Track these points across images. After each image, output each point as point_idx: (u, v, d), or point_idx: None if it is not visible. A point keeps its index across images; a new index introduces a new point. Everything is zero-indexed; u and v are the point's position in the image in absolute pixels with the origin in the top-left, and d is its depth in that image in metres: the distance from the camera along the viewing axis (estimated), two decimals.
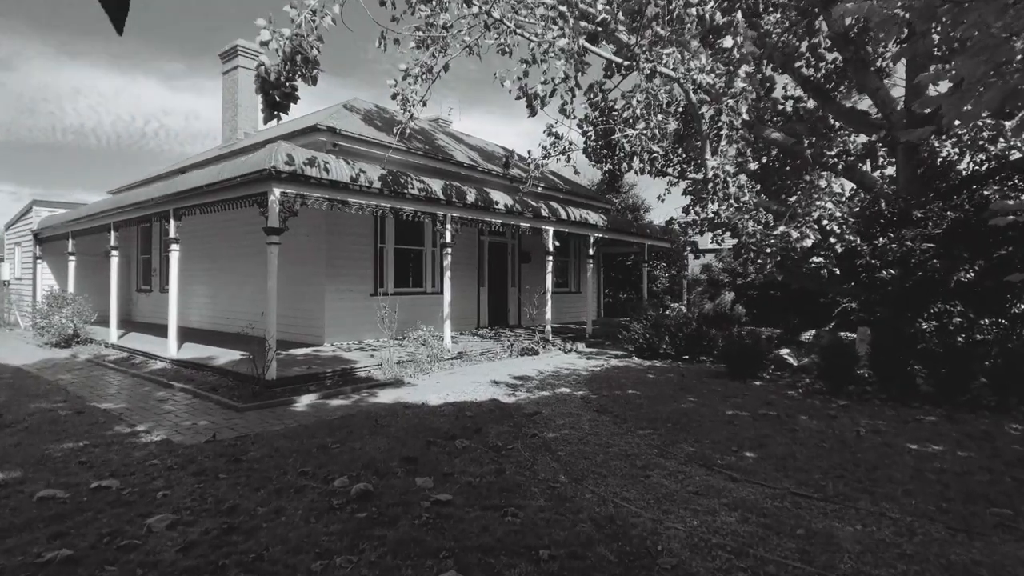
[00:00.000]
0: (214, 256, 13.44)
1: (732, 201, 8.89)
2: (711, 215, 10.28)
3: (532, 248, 15.35)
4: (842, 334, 10.75)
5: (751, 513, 3.60)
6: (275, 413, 6.27)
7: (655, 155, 8.17)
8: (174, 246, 9.10)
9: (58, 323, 11.83)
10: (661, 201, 14.52)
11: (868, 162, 11.89)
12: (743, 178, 9.10)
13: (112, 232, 11.13)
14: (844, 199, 9.57)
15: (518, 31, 6.97)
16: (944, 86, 9.50)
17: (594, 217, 13.84)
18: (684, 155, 14.60)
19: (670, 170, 15.06)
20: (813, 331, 13.07)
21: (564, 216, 12.67)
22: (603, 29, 9.35)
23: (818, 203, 8.70)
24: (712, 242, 15.79)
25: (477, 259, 13.99)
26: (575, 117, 9.56)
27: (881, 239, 8.53)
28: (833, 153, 10.83)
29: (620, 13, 8.40)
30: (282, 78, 5.89)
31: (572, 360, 10.53)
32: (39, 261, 15.61)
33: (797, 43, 11.29)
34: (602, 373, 9.02)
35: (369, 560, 2.97)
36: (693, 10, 7.92)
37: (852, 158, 11.41)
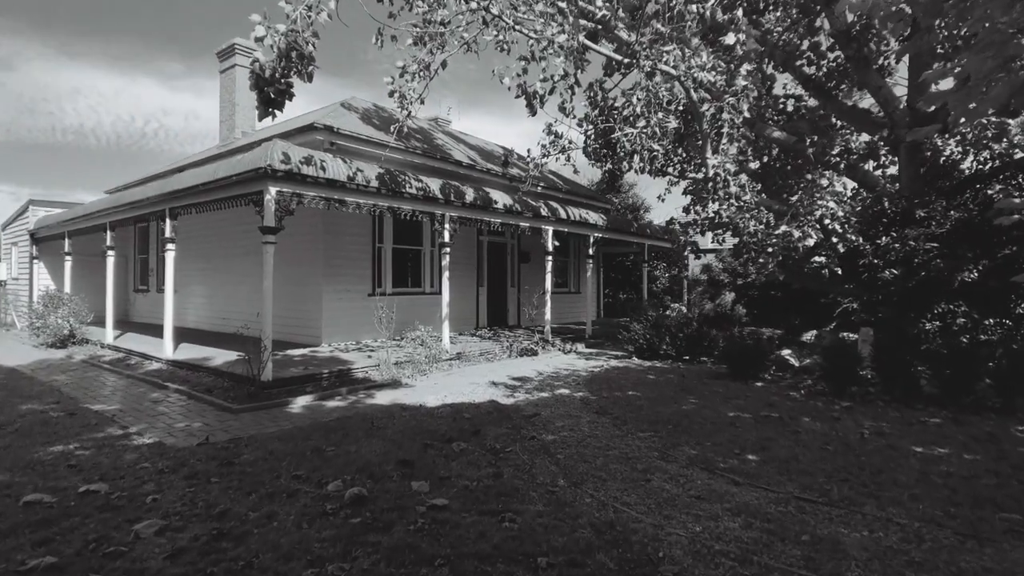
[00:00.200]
0: (211, 256, 13.35)
1: (733, 200, 8.80)
2: (712, 214, 10.19)
3: (531, 248, 15.26)
4: (843, 334, 10.68)
5: (755, 518, 3.51)
6: (270, 415, 6.18)
7: (655, 153, 8.09)
8: (169, 246, 9.01)
9: (54, 324, 11.73)
10: (661, 201, 14.43)
11: (870, 161, 11.81)
12: (744, 177, 9.00)
13: (108, 232, 11.04)
14: (846, 198, 9.48)
15: (517, 28, 6.88)
16: (944, 84, 9.42)
17: (594, 217, 13.75)
18: (684, 154, 14.50)
19: (670, 169, 14.97)
20: (814, 332, 13.00)
21: (564, 216, 12.58)
22: (603, 27, 9.27)
23: (820, 202, 8.61)
24: (713, 242, 15.70)
25: (476, 259, 13.90)
26: (574, 116, 9.48)
27: (884, 238, 8.44)
28: (835, 152, 10.73)
29: (620, 10, 8.32)
30: (277, 74, 5.80)
31: (571, 361, 10.44)
32: (36, 261, 15.53)
33: (798, 41, 11.21)
34: (602, 374, 8.93)
35: (362, 568, 2.88)
36: (694, 7, 7.84)
37: (854, 157, 11.32)
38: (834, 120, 11.56)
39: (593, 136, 11.71)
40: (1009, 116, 7.58)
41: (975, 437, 5.36)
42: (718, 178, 8.67)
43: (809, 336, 13.12)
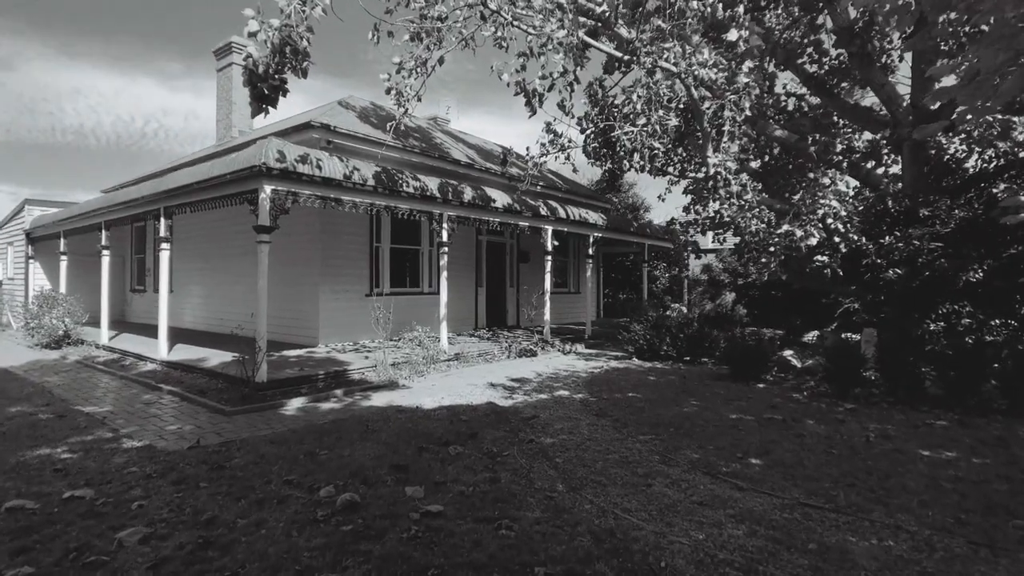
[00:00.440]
0: (207, 256, 13.25)
1: (734, 199, 8.69)
2: (713, 214, 10.09)
3: (531, 248, 15.15)
4: (845, 335, 10.57)
5: (759, 526, 3.40)
6: (264, 417, 6.06)
7: (656, 152, 7.98)
8: (164, 245, 8.89)
9: (48, 324, 11.61)
10: (662, 200, 14.38)
11: (871, 160, 11.69)
12: (744, 176, 8.89)
13: (103, 231, 10.92)
14: (848, 197, 9.37)
15: (515, 23, 6.77)
16: (948, 82, 9.30)
17: (593, 216, 13.64)
18: (685, 153, 14.42)
19: (671, 169, 14.89)
20: (816, 332, 12.88)
21: (563, 215, 12.47)
22: (603, 24, 9.16)
23: (822, 201, 8.50)
24: (713, 242, 15.58)
25: (475, 259, 13.79)
26: (574, 115, 9.37)
27: (888, 238, 8.33)
28: (838, 151, 10.63)
29: (621, 6, 8.20)
30: (271, 70, 5.69)
31: (571, 362, 10.33)
32: (31, 261, 15.41)
33: (799, 40, 11.10)
34: (602, 375, 8.82)
35: None
36: (695, 3, 7.72)
37: (857, 156, 11.21)
38: (836, 118, 11.45)
39: (593, 135, 11.61)
40: (1015, 114, 7.47)
41: (983, 440, 5.25)
42: (719, 177, 8.57)
43: (811, 337, 13.00)
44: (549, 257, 12.27)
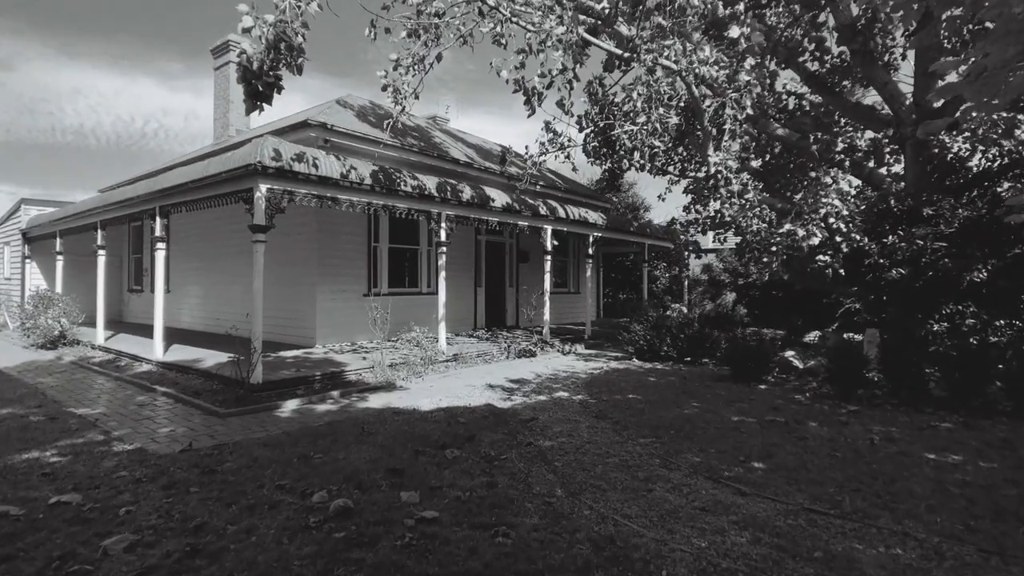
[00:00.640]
0: (205, 255, 13.16)
1: (735, 199, 8.60)
2: (713, 213, 10.01)
3: (530, 247, 15.06)
4: (847, 335, 10.48)
5: (763, 532, 3.31)
6: (258, 419, 5.97)
7: (656, 150, 7.90)
8: (159, 245, 8.80)
9: (44, 324, 11.52)
10: (662, 200, 14.31)
11: (873, 159, 11.60)
12: (745, 175, 8.80)
13: (98, 231, 10.82)
14: (850, 197, 9.28)
15: (513, 19, 6.68)
16: (951, 79, 9.19)
17: (593, 216, 13.55)
18: (685, 153, 14.33)
19: (671, 168, 14.79)
20: (817, 332, 12.80)
21: (563, 215, 12.38)
22: (603, 21, 9.07)
23: (824, 200, 8.41)
24: (714, 242, 15.49)
25: (474, 259, 13.70)
26: (573, 113, 9.27)
27: (890, 237, 8.24)
28: (839, 149, 10.54)
29: (621, 3, 8.11)
30: (265, 67, 5.59)
31: (571, 362, 10.24)
32: (28, 260, 15.32)
33: (800, 38, 11.02)
34: (601, 376, 8.73)
35: None
36: (696, 0, 7.63)
37: (859, 154, 11.12)
38: (838, 117, 11.36)
39: (593, 133, 11.52)
40: (1020, 112, 7.38)
41: (989, 443, 5.16)
42: (720, 176, 8.48)
43: (812, 337, 12.92)
44: (548, 257, 12.18)
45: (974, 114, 7.07)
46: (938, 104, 8.43)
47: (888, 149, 11.26)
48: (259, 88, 5.62)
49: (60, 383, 7.98)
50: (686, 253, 16.66)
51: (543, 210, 11.86)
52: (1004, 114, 7.47)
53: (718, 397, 7.17)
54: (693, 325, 10.82)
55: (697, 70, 7.68)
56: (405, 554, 3.01)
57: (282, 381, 7.25)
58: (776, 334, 12.83)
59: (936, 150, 9.02)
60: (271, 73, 5.65)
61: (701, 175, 9.62)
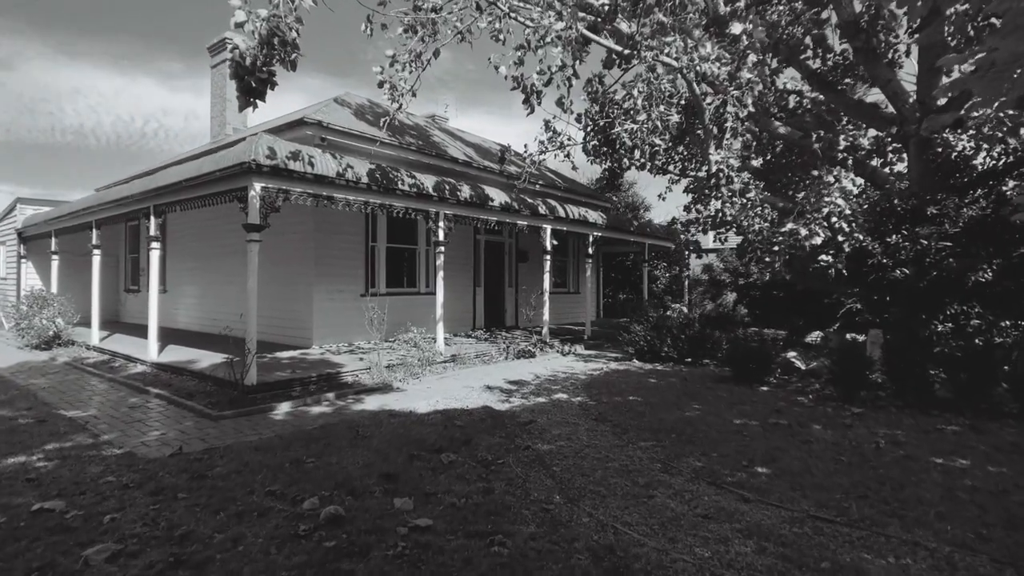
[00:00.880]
0: (202, 255, 13.04)
1: (737, 198, 8.49)
2: (714, 213, 9.90)
3: (530, 247, 14.95)
4: (849, 336, 10.36)
5: (768, 541, 3.20)
6: (252, 422, 5.86)
7: (657, 148, 7.77)
8: (154, 244, 8.69)
9: (39, 325, 11.41)
10: (662, 199, 14.25)
11: (876, 158, 11.48)
12: (746, 175, 8.69)
13: (93, 230, 10.71)
14: (853, 195, 9.16)
15: (512, 15, 6.57)
16: (955, 75, 9.06)
17: (593, 215, 13.44)
18: (686, 152, 14.21)
19: (671, 167, 14.67)
20: (819, 333, 12.69)
21: (562, 214, 12.27)
22: (603, 19, 8.96)
23: (827, 199, 8.30)
24: (715, 241, 15.38)
25: (473, 258, 13.59)
26: (572, 111, 9.17)
27: (894, 237, 8.13)
28: (842, 148, 10.42)
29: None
30: (258, 63, 5.47)
31: (570, 363, 10.13)
32: (24, 260, 15.20)
33: (802, 36, 10.90)
34: (601, 377, 8.62)
35: None
36: None
37: (862, 153, 11.01)
38: (841, 115, 11.25)
39: (592, 132, 11.41)
40: None
41: (997, 447, 5.05)
42: (721, 174, 8.36)
43: (813, 337, 12.80)
44: (548, 256, 12.07)
45: (978, 112, 6.98)
46: (942, 101, 8.31)
47: (891, 147, 11.15)
48: (252, 84, 5.49)
49: (52, 384, 7.87)
50: (687, 253, 16.56)
51: (542, 209, 11.75)
52: (1011, 111, 7.35)
53: (720, 399, 7.06)
54: (694, 325, 10.71)
55: (698, 67, 7.56)
56: (397, 565, 2.90)
57: (277, 382, 7.13)
58: (777, 334, 12.73)
59: (940, 148, 8.90)
60: (264, 69, 5.52)
61: (702, 174, 9.52)
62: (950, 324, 7.84)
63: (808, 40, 10.94)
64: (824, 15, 10.24)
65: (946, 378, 6.95)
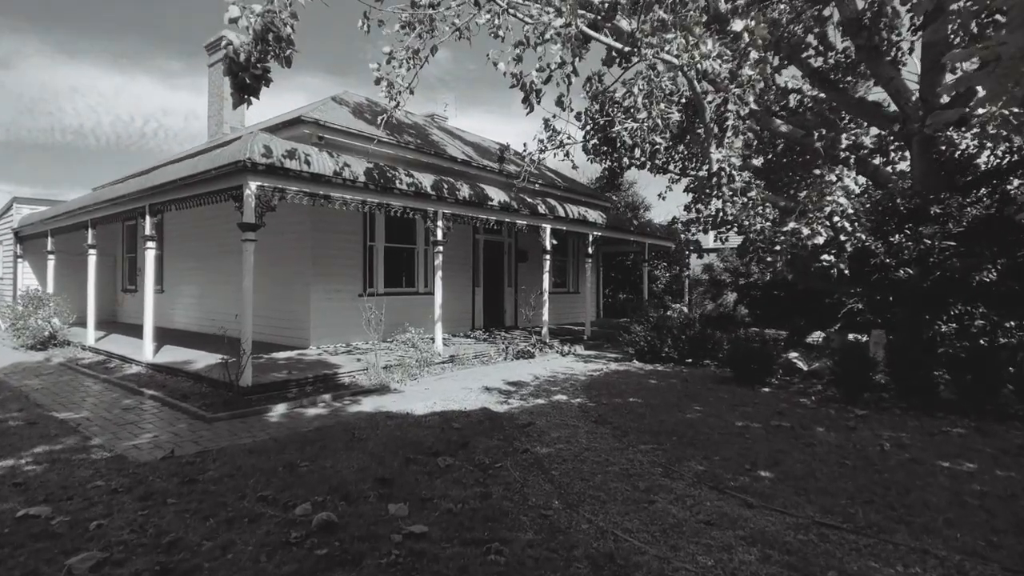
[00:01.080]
0: (199, 255, 12.95)
1: (738, 197, 8.39)
2: (715, 212, 9.79)
3: (529, 247, 14.86)
4: (851, 336, 10.28)
5: (772, 549, 3.11)
6: (246, 424, 5.78)
7: (657, 147, 7.67)
8: (149, 244, 8.61)
9: (34, 325, 11.32)
10: (662, 199, 14.20)
11: (878, 156, 11.38)
12: (747, 174, 8.58)
13: (89, 229, 10.62)
14: (855, 195, 9.06)
15: (511, 11, 6.47)
16: (959, 74, 8.93)
17: (593, 215, 13.35)
18: (686, 151, 14.11)
19: (672, 167, 14.56)
20: (820, 333, 12.61)
21: (562, 213, 12.18)
22: (603, 16, 8.85)
23: (829, 198, 8.19)
24: (715, 241, 15.28)
25: (472, 258, 13.50)
26: (572, 109, 9.07)
27: (897, 236, 8.03)
28: (844, 146, 10.32)
29: None
30: (253, 59, 5.38)
31: (570, 364, 10.04)
32: (20, 260, 15.11)
33: (803, 35, 10.81)
34: (601, 378, 8.53)
35: None
36: None
37: (865, 152, 10.91)
38: (843, 114, 11.16)
39: (592, 131, 11.31)
40: None
41: (1005, 450, 4.96)
42: (723, 173, 8.25)
43: (815, 338, 12.72)
44: (548, 256, 11.98)
45: (983, 110, 6.87)
46: (945, 100, 8.22)
47: (893, 146, 11.05)
48: (246, 80, 5.40)
49: (46, 385, 7.78)
50: (687, 252, 16.45)
51: (542, 209, 11.66)
52: (1016, 109, 7.25)
53: (721, 400, 6.97)
54: (695, 326, 10.63)
55: (699, 65, 7.46)
56: (390, 573, 2.81)
57: (273, 384, 7.05)
58: (778, 335, 12.64)
59: (944, 147, 8.81)
60: (259, 65, 5.44)
61: (702, 173, 9.42)
62: (954, 325, 7.76)
63: (810, 38, 10.85)
64: (826, 12, 10.14)
65: (950, 379, 6.86)
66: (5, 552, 3.03)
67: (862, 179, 10.68)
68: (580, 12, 7.91)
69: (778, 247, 8.27)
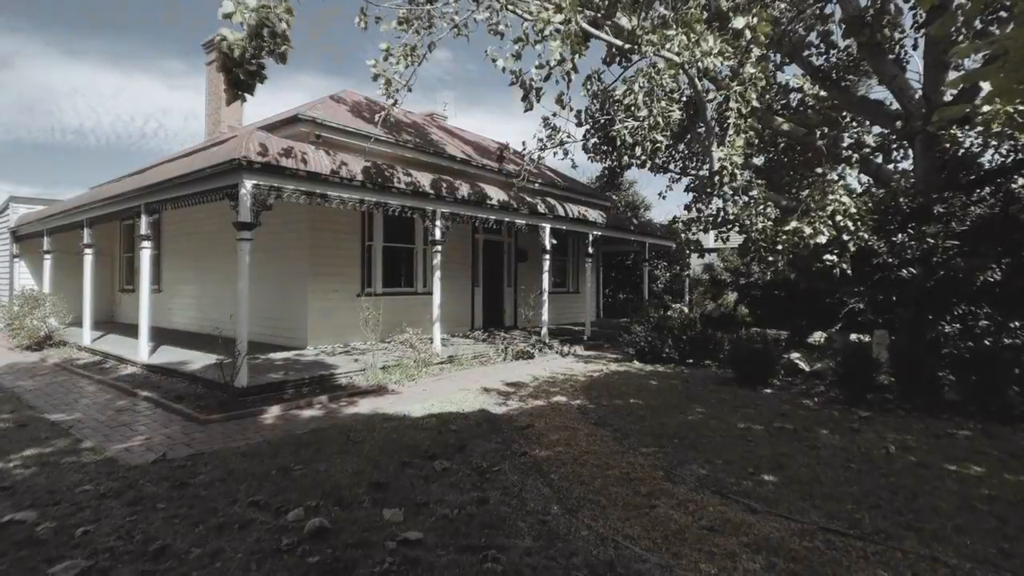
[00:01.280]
0: (197, 254, 12.86)
1: (740, 195, 8.31)
2: (716, 211, 9.72)
3: (529, 246, 14.76)
4: (853, 336, 10.17)
5: (778, 557, 3.02)
6: (241, 426, 5.69)
7: (658, 145, 7.58)
8: (145, 243, 8.52)
9: (30, 325, 11.23)
10: (662, 198, 14.13)
11: (879, 155, 11.30)
12: (748, 172, 8.51)
13: (85, 229, 10.53)
14: (857, 194, 8.98)
15: (510, 7, 6.38)
16: (962, 72, 8.84)
17: (593, 214, 13.26)
18: (686, 150, 14.04)
19: (672, 166, 14.50)
20: (822, 333, 12.49)
21: (562, 213, 12.09)
22: (603, 14, 8.78)
23: (831, 197, 8.11)
24: (716, 240, 15.18)
25: (471, 258, 13.41)
26: (572, 108, 8.99)
27: (900, 236, 7.95)
28: (846, 145, 10.25)
29: None
30: (247, 55, 5.29)
31: (569, 364, 9.95)
32: (16, 260, 15.01)
33: (805, 33, 10.73)
34: (601, 379, 8.44)
35: None
36: None
37: (867, 150, 10.83)
38: (844, 113, 11.08)
39: (592, 129, 11.23)
40: None
41: (1012, 453, 4.87)
42: (724, 172, 8.17)
43: (816, 338, 12.61)
44: (547, 256, 11.89)
45: (988, 108, 6.80)
46: (948, 97, 8.15)
47: (896, 145, 10.97)
48: (240, 77, 5.31)
49: (40, 386, 7.69)
50: (687, 252, 16.35)
51: (541, 208, 11.57)
52: (1022, 106, 7.17)
53: (723, 402, 6.88)
54: (695, 326, 10.53)
55: (700, 62, 7.39)
56: None
57: (268, 384, 6.96)
58: (779, 335, 12.54)
59: (947, 145, 8.72)
60: (253, 62, 5.35)
61: (703, 172, 9.34)
62: (958, 325, 7.67)
63: (813, 35, 10.77)
64: (828, 10, 10.07)
65: (955, 380, 6.77)
66: None
67: (865, 178, 10.60)
68: (580, 9, 7.83)
69: (780, 246, 8.19)
